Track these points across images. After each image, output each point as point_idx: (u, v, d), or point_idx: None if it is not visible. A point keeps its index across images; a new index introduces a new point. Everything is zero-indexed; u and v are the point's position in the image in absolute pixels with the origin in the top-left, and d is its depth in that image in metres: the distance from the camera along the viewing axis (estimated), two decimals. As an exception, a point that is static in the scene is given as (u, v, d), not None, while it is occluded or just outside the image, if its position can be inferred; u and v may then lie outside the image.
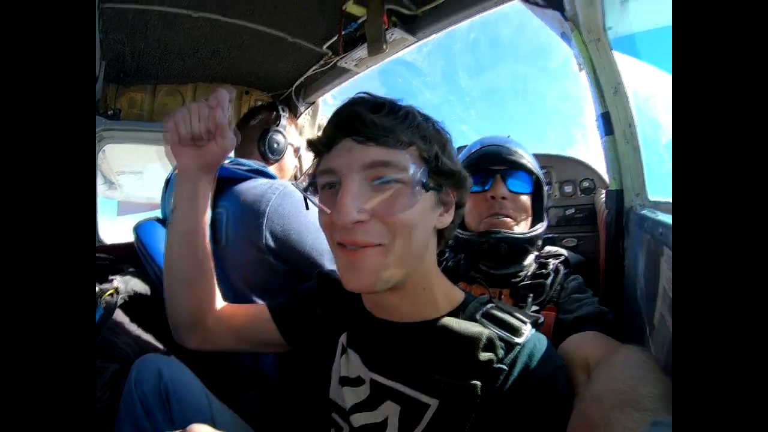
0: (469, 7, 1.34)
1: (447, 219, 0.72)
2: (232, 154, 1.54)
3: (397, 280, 0.66)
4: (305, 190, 0.72)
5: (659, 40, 1.17)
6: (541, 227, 1.14)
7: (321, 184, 0.68)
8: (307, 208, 0.73)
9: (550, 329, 0.95)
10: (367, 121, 0.63)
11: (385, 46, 1.44)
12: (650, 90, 1.26)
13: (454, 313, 0.70)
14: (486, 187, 1.12)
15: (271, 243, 1.22)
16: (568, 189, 1.67)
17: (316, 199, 0.69)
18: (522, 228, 1.13)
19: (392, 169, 0.63)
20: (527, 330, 0.66)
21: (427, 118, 0.70)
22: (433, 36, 1.51)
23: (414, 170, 0.63)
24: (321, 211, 0.67)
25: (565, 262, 1.16)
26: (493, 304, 0.71)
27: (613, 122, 1.16)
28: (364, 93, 0.71)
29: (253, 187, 1.29)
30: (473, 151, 1.18)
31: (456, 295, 0.75)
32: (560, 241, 1.60)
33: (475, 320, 0.67)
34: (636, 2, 1.13)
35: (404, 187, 0.63)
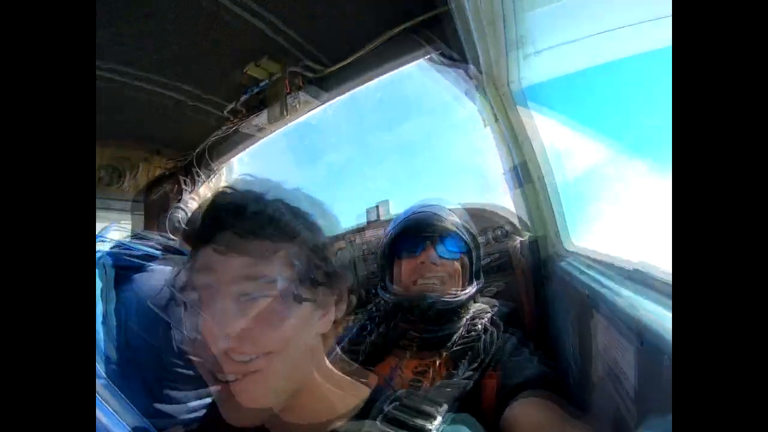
0: (376, 67, 1.35)
1: (328, 320, 0.63)
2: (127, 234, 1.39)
3: (283, 400, 0.57)
4: (166, 306, 0.60)
5: (562, 89, 1.24)
6: (472, 289, 1.14)
7: (184, 299, 0.58)
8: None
9: (493, 395, 0.92)
10: (227, 226, 0.56)
11: (285, 113, 1.40)
12: (561, 140, 1.31)
13: (357, 416, 0.61)
14: (416, 253, 1.12)
15: (180, 346, 1.09)
16: (482, 239, 1.68)
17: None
18: (453, 291, 1.11)
19: (257, 283, 0.55)
20: (437, 422, 0.57)
21: (296, 214, 0.62)
22: (339, 98, 1.49)
23: (282, 282, 0.56)
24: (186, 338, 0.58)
25: (495, 319, 1.12)
26: (397, 402, 0.61)
27: (525, 173, 1.19)
28: (227, 189, 0.62)
29: (148, 279, 1.16)
30: (404, 217, 1.19)
31: (359, 393, 0.65)
32: (482, 291, 1.60)
33: (375, 426, 0.57)
34: (538, 57, 1.19)
35: (274, 301, 0.55)
